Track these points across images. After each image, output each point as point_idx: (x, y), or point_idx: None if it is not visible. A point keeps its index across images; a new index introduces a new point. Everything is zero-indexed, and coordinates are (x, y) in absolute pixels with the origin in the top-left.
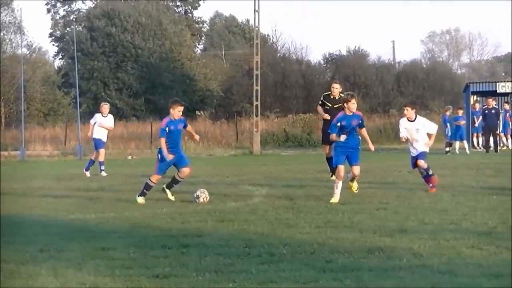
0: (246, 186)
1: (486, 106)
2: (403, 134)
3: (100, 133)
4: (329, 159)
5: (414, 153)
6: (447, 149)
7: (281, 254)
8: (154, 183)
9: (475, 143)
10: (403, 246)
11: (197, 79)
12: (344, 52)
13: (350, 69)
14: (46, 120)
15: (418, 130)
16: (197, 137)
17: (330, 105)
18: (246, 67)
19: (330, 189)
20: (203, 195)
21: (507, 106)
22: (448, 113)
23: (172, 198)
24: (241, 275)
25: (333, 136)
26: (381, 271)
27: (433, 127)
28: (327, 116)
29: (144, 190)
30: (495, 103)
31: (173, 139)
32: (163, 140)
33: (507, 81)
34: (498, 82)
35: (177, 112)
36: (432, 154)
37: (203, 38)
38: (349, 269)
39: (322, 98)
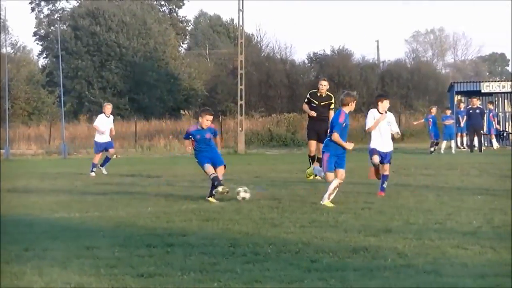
0: (231, 185)
1: (470, 106)
2: (370, 124)
3: (103, 135)
4: (311, 158)
5: (380, 148)
6: (432, 149)
7: (266, 254)
8: (212, 173)
9: (459, 143)
10: (388, 245)
11: (182, 78)
12: (328, 52)
13: (335, 68)
14: (31, 119)
15: (389, 123)
16: (219, 149)
17: (316, 102)
18: (231, 66)
19: (314, 189)
20: (243, 192)
21: (491, 106)
22: (433, 112)
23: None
24: (226, 274)
25: (337, 137)
26: (366, 271)
27: (396, 125)
28: (314, 114)
29: (217, 184)
30: (480, 102)
31: (202, 145)
32: (186, 142)
33: (492, 81)
34: (483, 82)
35: (205, 121)
36: (417, 154)
37: (187, 37)
38: (334, 269)
39: (308, 96)
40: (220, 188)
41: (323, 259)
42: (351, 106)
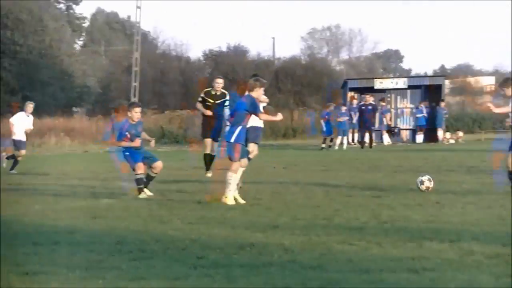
0: (120, 182)
1: (363, 103)
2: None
3: (22, 133)
4: (206, 156)
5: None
6: (323, 145)
7: (152, 251)
8: (140, 173)
9: (349, 139)
10: (274, 242)
11: (76, 76)
12: (224, 49)
13: (229, 65)
14: None
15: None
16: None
17: (212, 101)
18: (126, 64)
19: (204, 185)
20: (428, 182)
21: (383, 103)
22: (329, 109)
23: (150, 194)
24: (111, 271)
25: (266, 116)
26: (252, 267)
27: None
28: (210, 112)
29: (139, 186)
30: (373, 99)
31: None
32: (123, 142)
33: (385, 78)
34: (376, 78)
35: (135, 113)
36: (309, 150)
37: (83, 34)
38: (220, 265)
39: (203, 95)
40: (146, 194)
41: (209, 255)
42: (258, 92)
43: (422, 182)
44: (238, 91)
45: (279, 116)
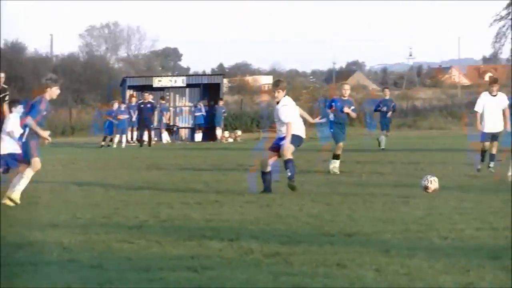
0: None
1: (142, 101)
2: None
3: None
4: None
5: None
6: (103, 143)
7: None
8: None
9: (129, 137)
10: (54, 240)
11: None
12: (1, 45)
13: (7, 62)
14: None
15: None
16: None
17: None
18: None
19: None
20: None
21: (162, 101)
22: (113, 108)
23: None
24: None
25: (33, 123)
26: (30, 266)
27: None
28: None
29: None
30: (152, 97)
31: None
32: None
33: (164, 76)
34: (154, 76)
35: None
36: (88, 148)
37: None
38: None
39: None
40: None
41: None
42: (51, 92)
43: (426, 188)
44: (34, 94)
45: (46, 134)
